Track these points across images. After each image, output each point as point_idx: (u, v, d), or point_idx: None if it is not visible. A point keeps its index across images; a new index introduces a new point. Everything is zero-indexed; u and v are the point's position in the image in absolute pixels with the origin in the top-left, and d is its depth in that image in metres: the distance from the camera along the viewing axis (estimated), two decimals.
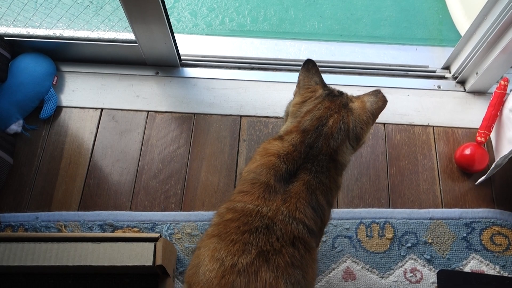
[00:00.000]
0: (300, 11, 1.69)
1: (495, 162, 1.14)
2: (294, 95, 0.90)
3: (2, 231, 1.18)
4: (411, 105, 1.37)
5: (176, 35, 1.52)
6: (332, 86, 0.91)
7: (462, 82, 1.41)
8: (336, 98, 0.85)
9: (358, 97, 0.88)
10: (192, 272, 0.75)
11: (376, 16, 1.67)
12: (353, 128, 0.83)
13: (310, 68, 0.88)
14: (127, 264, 0.95)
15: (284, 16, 1.67)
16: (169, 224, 1.20)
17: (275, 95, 1.39)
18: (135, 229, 1.19)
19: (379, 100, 0.87)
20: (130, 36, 1.31)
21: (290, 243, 0.74)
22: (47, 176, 1.27)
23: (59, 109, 1.36)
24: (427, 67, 1.50)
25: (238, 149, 1.31)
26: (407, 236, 1.18)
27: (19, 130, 1.30)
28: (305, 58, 1.50)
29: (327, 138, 0.80)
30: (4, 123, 1.28)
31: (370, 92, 0.89)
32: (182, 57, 1.44)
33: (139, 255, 0.96)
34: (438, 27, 1.66)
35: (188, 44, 1.52)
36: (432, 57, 1.55)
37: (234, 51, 1.54)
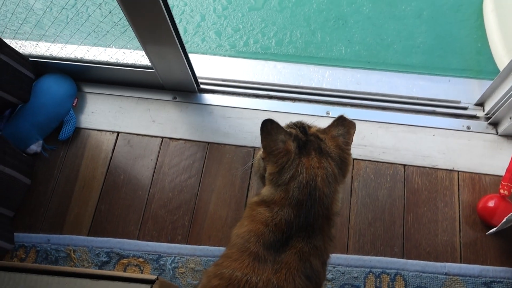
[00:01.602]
0: (328, 35, 1.62)
1: (507, 216, 1.05)
2: (262, 159, 0.83)
3: (16, 251, 1.22)
4: (436, 147, 1.28)
5: (198, 56, 1.52)
6: (306, 122, 0.86)
7: (495, 124, 1.30)
8: (309, 147, 0.79)
9: (326, 132, 0.82)
10: None
11: (408, 43, 1.58)
12: (338, 172, 0.79)
13: (270, 129, 0.78)
14: None
15: (310, 39, 1.62)
16: (173, 257, 1.19)
17: None
18: (140, 259, 1.20)
19: (349, 128, 0.82)
20: (148, 62, 1.31)
21: None
22: (62, 198, 1.30)
23: (77, 130, 1.39)
24: (459, 102, 1.40)
25: (249, 183, 1.28)
26: None
27: (38, 150, 1.33)
28: (328, 86, 1.46)
29: (321, 201, 0.76)
30: (24, 144, 1.32)
31: (334, 122, 0.83)
32: (201, 81, 1.43)
33: None
34: (475, 57, 1.54)
35: (210, 66, 1.50)
36: (466, 90, 1.45)
37: (256, 74, 1.50)
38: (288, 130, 0.82)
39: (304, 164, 0.77)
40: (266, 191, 0.80)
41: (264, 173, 0.82)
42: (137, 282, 0.98)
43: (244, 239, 0.76)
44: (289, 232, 0.75)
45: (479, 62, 1.53)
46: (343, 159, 0.80)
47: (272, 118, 0.78)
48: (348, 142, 0.82)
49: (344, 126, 0.82)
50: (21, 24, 1.36)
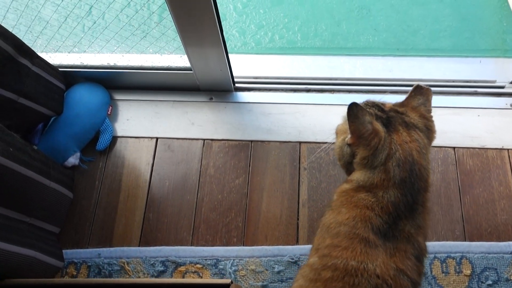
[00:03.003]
0: (353, 25, 1.61)
1: None
2: (348, 145, 0.80)
3: (66, 268, 1.18)
4: (482, 127, 1.28)
5: None
6: (375, 100, 0.85)
7: None
8: (394, 123, 0.78)
9: (405, 105, 0.82)
10: None
11: (434, 27, 1.58)
12: (427, 142, 0.79)
13: (357, 113, 0.75)
14: None
15: (336, 31, 1.60)
16: (232, 260, 1.16)
17: (334, 119, 1.30)
18: (198, 265, 1.16)
19: (427, 96, 0.83)
20: (185, 63, 1.28)
21: None
22: (107, 210, 1.25)
23: (114, 139, 1.34)
24: (494, 82, 1.40)
25: (299, 178, 1.25)
26: (487, 273, 1.10)
27: (76, 162, 1.29)
28: (361, 75, 1.45)
29: (421, 174, 0.75)
30: (62, 157, 1.27)
31: (412, 93, 0.83)
32: (235, 81, 1.40)
33: None
34: (502, 36, 1.55)
35: (239, 65, 1.47)
36: (498, 69, 1.45)
37: (286, 70, 1.48)
38: (369, 110, 0.80)
39: (397, 141, 0.75)
40: (361, 175, 0.78)
41: (350, 159, 0.80)
42: (212, 287, 0.95)
43: (350, 226, 0.74)
44: (397, 213, 0.73)
45: (507, 41, 1.54)
46: (429, 128, 0.80)
47: (355, 101, 0.76)
48: (430, 110, 0.82)
49: (422, 94, 0.83)
50: (54, 34, 1.31)
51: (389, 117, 0.79)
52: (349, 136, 0.78)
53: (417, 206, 0.74)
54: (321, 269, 0.72)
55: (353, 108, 0.75)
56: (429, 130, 0.80)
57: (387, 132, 0.77)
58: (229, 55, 1.51)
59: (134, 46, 1.30)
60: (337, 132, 0.88)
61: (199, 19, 1.03)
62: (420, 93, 0.82)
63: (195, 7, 0.98)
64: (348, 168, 0.84)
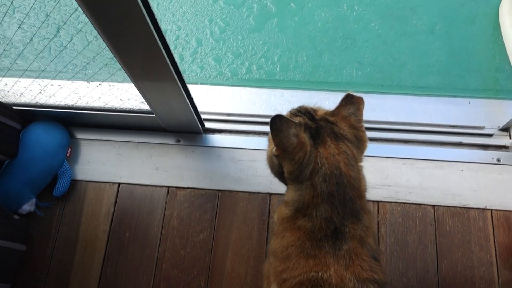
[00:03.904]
0: (336, 56, 1.51)
1: None
2: (275, 156, 0.76)
3: None
4: (465, 183, 1.19)
5: (198, 87, 1.40)
6: (309, 106, 0.81)
7: None
8: (322, 134, 0.74)
9: (335, 114, 0.78)
10: None
11: (422, 62, 1.48)
12: (357, 152, 0.76)
13: (280, 126, 0.71)
14: None
15: (318, 63, 1.50)
16: None
17: None
18: None
19: (358, 105, 0.79)
20: (147, 107, 1.18)
21: None
22: (62, 263, 1.18)
23: (74, 182, 1.26)
24: (483, 128, 1.31)
25: (267, 234, 1.17)
26: None
27: (32, 209, 1.21)
28: None
29: (351, 185, 0.73)
30: (16, 204, 1.19)
31: (343, 102, 0.79)
32: (204, 117, 1.30)
33: None
34: (494, 74, 1.45)
35: (212, 98, 1.39)
36: (488, 113, 1.36)
37: (263, 105, 1.39)
38: (296, 120, 0.75)
39: (323, 153, 0.73)
40: (293, 194, 0.76)
41: (280, 170, 0.77)
42: None
43: (297, 246, 0.73)
44: (333, 225, 0.72)
45: (499, 80, 1.44)
46: (359, 138, 0.77)
47: (280, 113, 0.71)
48: (360, 120, 0.79)
49: (353, 103, 0.79)
50: None
51: (318, 127, 0.76)
52: (275, 147, 0.75)
53: (357, 212, 0.74)
54: None
55: (276, 122, 0.71)
56: (359, 141, 0.77)
57: (314, 144, 0.74)
58: (202, 86, 1.43)
59: (89, 78, 1.20)
60: (269, 140, 0.83)
61: (153, 69, 0.94)
62: (351, 102, 0.79)
63: (135, 39, 0.87)
64: (281, 179, 0.82)
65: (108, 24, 0.78)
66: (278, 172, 0.80)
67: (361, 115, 0.79)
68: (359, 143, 0.77)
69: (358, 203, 0.74)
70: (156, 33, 0.81)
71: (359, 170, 0.76)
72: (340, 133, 0.75)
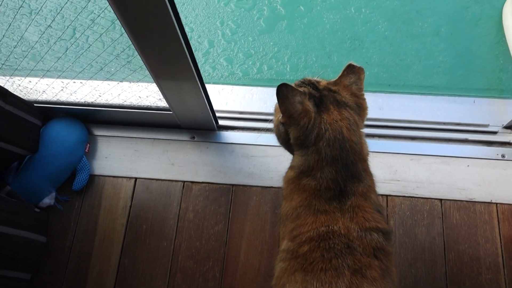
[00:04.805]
0: (344, 57, 1.56)
1: None
2: (282, 123, 0.82)
3: None
4: (471, 178, 1.24)
5: (211, 86, 1.44)
6: (312, 78, 0.86)
7: None
8: (325, 102, 0.79)
9: (337, 83, 0.83)
10: None
11: (428, 62, 1.53)
12: (358, 118, 0.81)
13: (286, 93, 0.76)
14: None
15: (327, 63, 1.55)
16: None
17: None
18: None
19: (359, 74, 0.84)
20: (165, 104, 1.23)
21: (373, 256, 0.73)
22: (81, 254, 1.22)
23: (92, 177, 1.30)
24: (487, 126, 1.35)
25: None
26: None
27: (51, 203, 1.25)
28: None
29: (353, 149, 0.78)
30: (37, 198, 1.23)
31: (344, 72, 0.84)
32: (218, 115, 1.35)
33: None
34: (498, 75, 1.49)
35: (225, 97, 1.43)
36: (492, 111, 1.40)
37: (274, 104, 1.43)
38: (301, 89, 0.81)
39: (327, 120, 0.78)
40: (299, 159, 0.81)
41: (287, 137, 0.82)
42: None
43: (305, 206, 0.78)
44: (339, 186, 0.77)
45: (503, 80, 1.48)
46: (359, 105, 0.82)
47: (285, 82, 0.77)
48: (361, 88, 0.84)
49: (354, 73, 0.84)
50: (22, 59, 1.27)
51: (322, 96, 0.80)
52: (281, 115, 0.79)
53: (359, 174, 0.78)
54: (297, 247, 0.76)
55: (282, 89, 0.76)
56: (360, 108, 0.82)
57: (317, 111, 0.79)
58: (215, 86, 1.47)
59: (109, 77, 1.25)
60: (275, 110, 0.89)
61: (175, 67, 0.99)
62: (352, 71, 0.84)
63: (161, 40, 0.91)
64: (288, 147, 0.86)
65: (137, 26, 0.83)
66: (285, 140, 0.85)
67: (362, 84, 0.84)
68: (360, 110, 0.82)
69: (359, 166, 0.79)
70: (181, 35, 0.86)
71: (360, 136, 0.80)
72: (342, 101, 0.80)
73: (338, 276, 0.70)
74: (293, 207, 0.81)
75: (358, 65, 0.84)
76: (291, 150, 0.88)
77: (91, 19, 1.56)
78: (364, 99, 0.85)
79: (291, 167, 0.85)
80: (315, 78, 0.87)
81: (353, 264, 0.71)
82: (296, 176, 0.82)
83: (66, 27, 1.54)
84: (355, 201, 0.77)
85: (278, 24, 1.62)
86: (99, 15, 1.52)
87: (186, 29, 1.62)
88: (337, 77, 0.85)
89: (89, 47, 1.36)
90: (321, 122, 0.78)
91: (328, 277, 0.70)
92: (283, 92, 0.76)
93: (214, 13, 1.65)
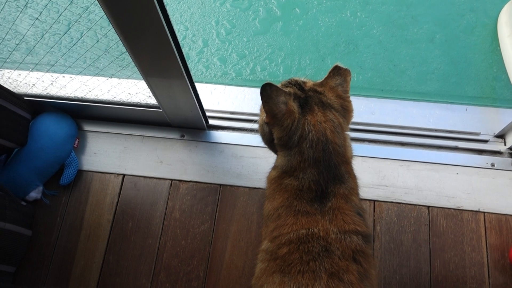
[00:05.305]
0: (338, 60, 1.54)
1: None
2: (266, 123, 0.83)
3: None
4: (459, 186, 1.23)
5: (203, 85, 1.44)
6: (299, 78, 0.86)
7: None
8: (310, 103, 0.79)
9: (324, 85, 0.83)
10: None
11: (421, 69, 1.52)
12: (343, 120, 0.81)
13: (270, 93, 0.76)
14: None
15: (320, 66, 1.55)
16: None
17: None
18: None
19: (345, 76, 0.83)
20: (154, 101, 1.22)
21: (352, 259, 0.73)
22: (66, 249, 1.21)
23: (80, 173, 1.30)
24: (478, 134, 1.35)
25: None
26: None
27: (38, 197, 1.25)
28: None
29: (336, 151, 0.78)
30: (23, 191, 1.23)
31: (331, 73, 0.84)
32: (209, 114, 1.35)
33: None
34: (491, 83, 1.49)
35: (217, 97, 1.43)
36: (484, 120, 1.40)
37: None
38: (286, 90, 0.80)
39: (310, 121, 0.78)
40: (282, 160, 0.81)
41: (271, 137, 0.83)
42: None
43: (286, 206, 0.78)
44: (321, 188, 0.77)
45: (496, 89, 1.48)
46: (345, 108, 0.82)
47: (270, 82, 0.76)
48: (347, 90, 0.84)
49: (340, 75, 0.83)
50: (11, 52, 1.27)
51: (307, 97, 0.80)
52: (266, 115, 0.79)
53: (341, 176, 0.78)
54: (276, 249, 0.76)
55: (266, 89, 0.76)
56: (345, 110, 0.82)
57: (302, 112, 0.78)
58: (207, 84, 1.47)
59: (98, 72, 1.24)
60: (261, 110, 0.89)
61: (163, 65, 0.98)
62: (339, 73, 0.83)
63: (149, 38, 0.91)
64: (272, 147, 0.87)
65: (126, 23, 0.83)
66: (269, 140, 0.85)
67: (347, 86, 0.84)
68: (345, 113, 0.82)
69: (342, 168, 0.79)
70: (169, 33, 0.86)
71: (345, 138, 0.80)
72: (327, 103, 0.80)
73: (315, 279, 0.70)
74: (275, 207, 0.81)
75: (345, 67, 0.84)
76: (275, 150, 0.88)
77: (79, 14, 1.56)
78: (350, 101, 0.84)
79: (274, 167, 0.86)
80: (302, 79, 0.87)
81: (330, 267, 0.71)
82: (279, 176, 0.82)
83: (55, 20, 1.53)
84: (336, 203, 0.77)
85: (273, 26, 1.62)
86: (87, 9, 1.52)
87: (181, 27, 1.62)
88: (323, 78, 0.85)
89: (78, 41, 1.36)
90: (305, 123, 0.78)
91: (305, 280, 0.70)
92: (267, 91, 0.76)
93: (210, 12, 1.65)
